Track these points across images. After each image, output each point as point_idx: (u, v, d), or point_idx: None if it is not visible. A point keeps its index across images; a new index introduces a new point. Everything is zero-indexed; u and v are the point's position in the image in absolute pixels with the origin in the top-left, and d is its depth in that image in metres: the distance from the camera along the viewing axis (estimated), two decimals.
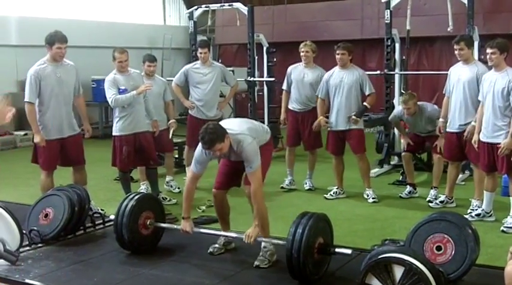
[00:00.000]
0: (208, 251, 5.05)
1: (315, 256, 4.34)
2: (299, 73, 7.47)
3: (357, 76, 6.94)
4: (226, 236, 5.08)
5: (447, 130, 6.43)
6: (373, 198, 7.01)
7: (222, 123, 4.82)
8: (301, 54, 7.42)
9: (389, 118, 7.67)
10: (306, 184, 7.66)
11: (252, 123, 5.02)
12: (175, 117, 8.02)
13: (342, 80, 6.95)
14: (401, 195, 7.13)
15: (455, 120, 6.28)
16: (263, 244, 4.77)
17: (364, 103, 6.99)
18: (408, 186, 7.22)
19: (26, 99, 6.07)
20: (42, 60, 6.15)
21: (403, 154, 7.32)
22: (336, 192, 7.24)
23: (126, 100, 6.52)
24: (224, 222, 5.17)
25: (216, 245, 5.10)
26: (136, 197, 5.15)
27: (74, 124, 6.36)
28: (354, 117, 6.90)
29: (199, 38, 11.35)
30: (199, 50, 7.60)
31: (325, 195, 7.24)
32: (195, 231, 4.96)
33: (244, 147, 4.58)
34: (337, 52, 6.93)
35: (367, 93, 6.98)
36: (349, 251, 4.43)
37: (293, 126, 7.61)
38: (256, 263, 4.73)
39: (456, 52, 6.22)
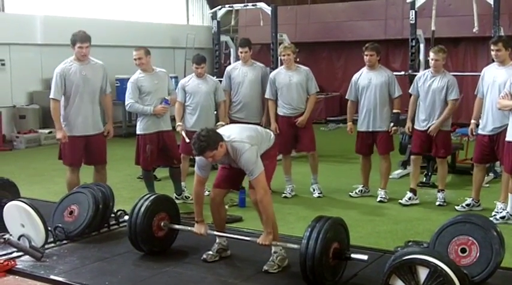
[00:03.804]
0: (202, 258, 4.88)
1: (330, 262, 4.22)
2: (284, 77, 7.06)
3: (385, 78, 6.88)
4: (240, 239, 4.91)
5: (479, 132, 6.27)
6: (381, 197, 6.96)
7: (222, 129, 4.76)
8: (283, 57, 7.01)
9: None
10: (314, 191, 7.26)
11: (254, 130, 4.83)
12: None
13: (371, 81, 6.88)
14: (401, 202, 6.80)
15: (489, 122, 6.11)
16: (273, 249, 4.68)
17: (395, 111, 6.91)
18: (408, 192, 6.86)
19: (51, 96, 6.20)
20: (69, 59, 6.25)
21: (412, 156, 7.01)
22: (362, 191, 7.22)
23: (140, 112, 6.64)
24: (220, 228, 5.00)
25: (210, 252, 4.92)
26: (151, 197, 5.07)
27: (99, 122, 6.41)
28: (394, 128, 6.89)
29: (223, 37, 11.42)
30: (240, 49, 7.44)
31: (350, 193, 7.24)
32: (209, 233, 4.91)
33: (241, 155, 4.46)
34: (366, 53, 6.85)
35: (395, 95, 6.89)
36: (365, 257, 4.30)
37: (286, 132, 7.09)
38: (265, 267, 4.62)
39: (493, 53, 6.08)
